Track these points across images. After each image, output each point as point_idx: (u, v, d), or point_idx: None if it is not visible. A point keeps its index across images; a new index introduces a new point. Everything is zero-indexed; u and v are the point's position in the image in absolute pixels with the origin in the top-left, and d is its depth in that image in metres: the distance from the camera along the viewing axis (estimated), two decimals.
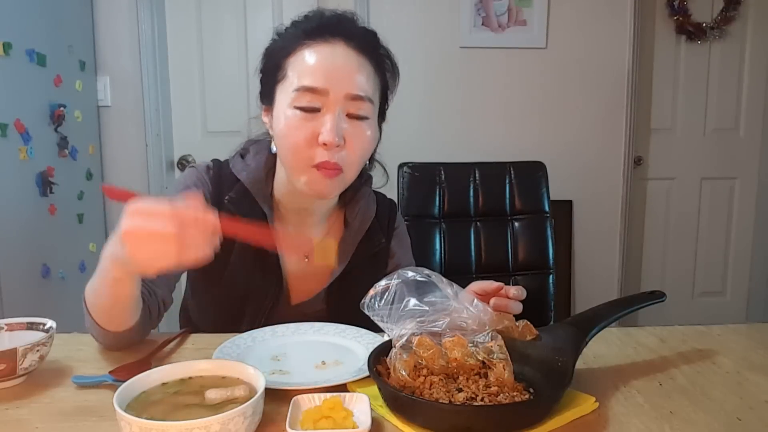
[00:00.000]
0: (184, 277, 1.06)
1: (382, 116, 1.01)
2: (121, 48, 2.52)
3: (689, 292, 3.00)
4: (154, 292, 0.91)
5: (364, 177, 1.08)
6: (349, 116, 0.89)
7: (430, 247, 1.67)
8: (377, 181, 1.12)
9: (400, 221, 1.16)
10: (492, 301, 0.82)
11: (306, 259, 1.04)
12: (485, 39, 2.62)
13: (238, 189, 0.99)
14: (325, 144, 0.87)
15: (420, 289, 0.73)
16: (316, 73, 0.88)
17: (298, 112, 0.88)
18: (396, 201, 1.38)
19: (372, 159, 1.06)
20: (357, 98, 0.89)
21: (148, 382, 0.64)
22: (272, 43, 0.96)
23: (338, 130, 0.87)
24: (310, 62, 0.89)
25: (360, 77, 0.90)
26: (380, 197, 1.13)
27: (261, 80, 0.98)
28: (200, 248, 0.63)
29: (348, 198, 1.07)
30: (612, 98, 2.70)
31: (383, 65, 0.97)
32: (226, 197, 0.98)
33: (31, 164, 2.02)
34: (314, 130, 0.88)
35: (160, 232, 0.61)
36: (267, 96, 0.96)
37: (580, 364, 0.72)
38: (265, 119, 0.98)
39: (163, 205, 0.62)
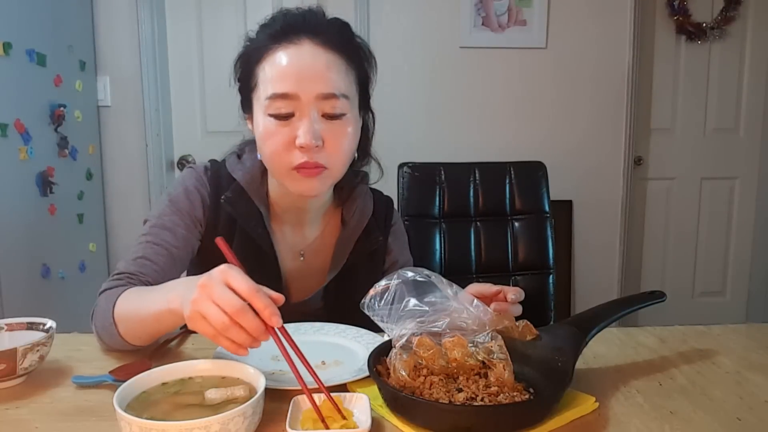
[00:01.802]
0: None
1: (365, 108, 1.00)
2: (121, 48, 2.52)
3: (689, 292, 3.00)
4: None
5: (360, 175, 1.08)
6: (326, 116, 0.89)
7: (430, 247, 1.67)
8: (372, 177, 1.11)
9: (397, 218, 1.16)
10: (492, 306, 0.81)
11: (301, 258, 1.05)
12: (485, 39, 2.62)
13: (234, 188, 1.00)
14: (302, 147, 0.87)
15: (420, 289, 0.73)
16: (284, 78, 0.87)
17: (272, 119, 0.88)
18: (396, 201, 1.38)
19: (367, 154, 1.06)
20: (330, 97, 0.88)
21: (148, 382, 0.64)
22: (243, 50, 0.96)
23: (314, 132, 0.87)
24: (277, 68, 0.88)
25: (330, 75, 0.89)
26: (377, 195, 1.13)
27: (239, 89, 0.97)
28: (240, 343, 0.63)
29: (344, 197, 1.07)
30: (612, 98, 2.69)
31: (357, 56, 0.95)
32: (222, 197, 0.99)
33: (31, 164, 2.02)
34: (291, 134, 0.88)
35: (223, 303, 0.62)
36: (246, 105, 0.96)
37: (580, 364, 0.72)
38: (249, 126, 0.98)
39: (249, 286, 0.63)
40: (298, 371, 0.64)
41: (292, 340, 0.66)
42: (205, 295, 0.63)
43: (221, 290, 0.63)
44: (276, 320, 0.63)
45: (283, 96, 0.87)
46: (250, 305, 0.62)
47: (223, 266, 0.65)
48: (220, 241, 0.71)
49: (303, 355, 0.67)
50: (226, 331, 0.62)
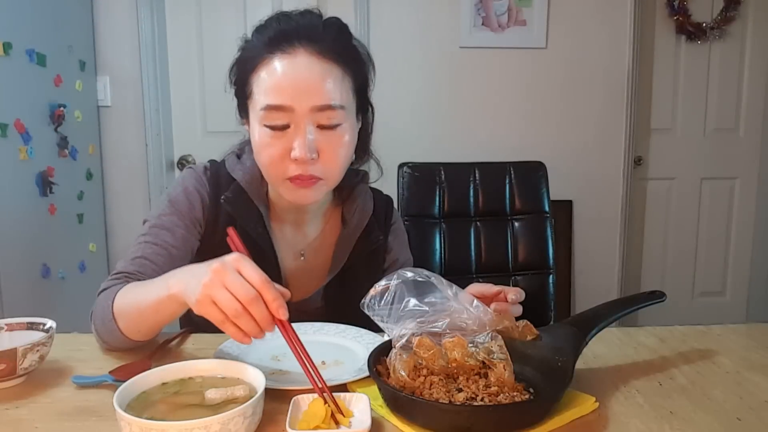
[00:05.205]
0: None
1: (363, 110, 0.99)
2: (121, 48, 2.52)
3: (689, 292, 3.00)
4: None
5: (360, 174, 1.08)
6: (321, 127, 0.88)
7: (430, 247, 1.67)
8: (372, 177, 1.11)
9: (396, 217, 1.16)
10: (492, 306, 0.81)
11: (302, 257, 1.05)
12: (485, 39, 2.62)
13: (234, 188, 1.00)
14: (297, 160, 0.87)
15: (420, 289, 0.73)
16: (279, 90, 0.86)
17: (267, 130, 0.88)
18: (396, 201, 1.38)
19: (367, 154, 1.05)
20: (325, 108, 0.87)
21: (148, 382, 0.64)
22: (238, 55, 0.95)
23: (309, 144, 0.86)
24: (272, 79, 0.87)
25: (326, 85, 0.87)
26: (377, 194, 1.13)
27: (235, 93, 0.96)
28: (247, 332, 0.65)
29: (344, 196, 1.07)
30: (612, 98, 2.69)
31: (354, 61, 0.93)
32: (222, 197, 0.99)
33: (31, 164, 2.02)
34: (286, 146, 0.87)
35: (236, 291, 0.63)
36: (242, 110, 0.96)
37: (580, 364, 0.72)
38: (247, 128, 0.97)
39: (261, 276, 0.65)
40: (307, 368, 0.66)
41: (297, 337, 0.68)
42: (218, 281, 0.64)
43: (235, 277, 0.64)
44: (283, 312, 0.65)
45: (278, 108, 0.86)
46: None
47: (235, 254, 0.67)
48: (231, 231, 0.73)
49: (307, 354, 0.67)
50: (237, 318, 0.64)
